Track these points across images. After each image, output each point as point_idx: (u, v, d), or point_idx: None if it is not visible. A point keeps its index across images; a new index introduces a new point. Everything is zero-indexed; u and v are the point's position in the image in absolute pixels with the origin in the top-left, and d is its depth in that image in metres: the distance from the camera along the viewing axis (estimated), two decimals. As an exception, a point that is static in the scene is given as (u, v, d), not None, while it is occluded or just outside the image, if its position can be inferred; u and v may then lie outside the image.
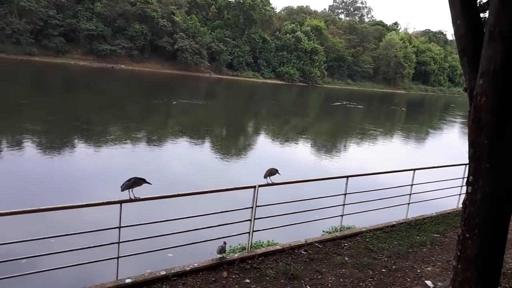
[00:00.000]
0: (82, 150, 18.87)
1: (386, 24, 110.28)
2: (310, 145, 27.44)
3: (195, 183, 14.96)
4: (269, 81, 75.43)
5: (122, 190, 5.53)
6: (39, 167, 15.90)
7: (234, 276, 6.05)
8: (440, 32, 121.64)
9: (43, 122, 23.94)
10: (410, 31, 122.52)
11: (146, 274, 5.65)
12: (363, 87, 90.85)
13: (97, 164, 17.11)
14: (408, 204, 9.34)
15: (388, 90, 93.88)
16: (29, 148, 18.07)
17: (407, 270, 6.90)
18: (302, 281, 6.14)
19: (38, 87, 39.49)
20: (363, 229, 8.41)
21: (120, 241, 5.46)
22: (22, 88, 36.54)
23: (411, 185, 9.30)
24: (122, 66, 61.66)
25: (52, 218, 8.84)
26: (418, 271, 6.93)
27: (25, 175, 14.76)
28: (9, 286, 5.31)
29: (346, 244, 7.68)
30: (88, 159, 17.63)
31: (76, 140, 20.54)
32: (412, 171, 9.27)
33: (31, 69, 50.18)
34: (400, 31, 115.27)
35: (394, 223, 8.91)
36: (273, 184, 7.02)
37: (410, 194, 9.33)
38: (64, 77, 49.60)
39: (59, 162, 16.77)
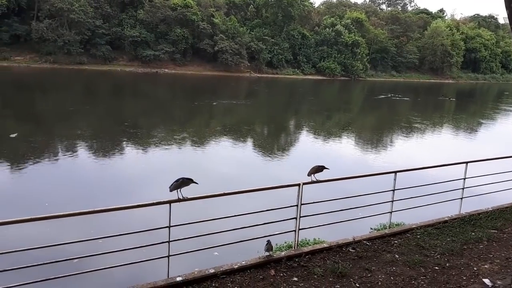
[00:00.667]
0: (130, 153, 19.63)
1: (431, 12, 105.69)
2: (354, 141, 26.90)
3: (240, 182, 15.13)
4: (309, 77, 74.69)
5: (171, 191, 5.70)
6: (91, 170, 16.71)
7: (281, 274, 6.06)
8: (491, 16, 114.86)
9: (94, 126, 25.15)
10: (457, 17, 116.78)
11: (196, 272, 5.78)
12: (409, 79, 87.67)
13: (145, 166, 17.73)
14: (461, 199, 8.91)
15: (435, 81, 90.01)
16: (82, 152, 19.05)
17: (462, 268, 6.60)
18: (351, 279, 6.04)
19: (89, 94, 41.52)
20: (414, 226, 8.13)
21: (170, 240, 5.63)
22: (75, 96, 38.58)
23: (464, 178, 8.87)
24: (166, 70, 63.44)
25: (105, 219, 9.26)
26: (475, 268, 6.60)
27: (79, 178, 15.57)
28: (64, 285, 5.64)
29: (395, 241, 7.46)
30: (136, 161, 18.31)
31: (124, 143, 21.40)
32: (465, 164, 8.84)
33: (81, 78, 52.84)
34: (446, 18, 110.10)
35: (447, 219, 8.53)
36: (317, 181, 6.94)
37: (463, 188, 8.90)
38: (112, 84, 51.82)
39: (110, 165, 17.54)
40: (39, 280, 4.91)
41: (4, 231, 8.13)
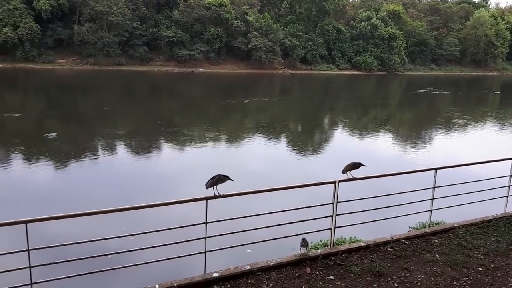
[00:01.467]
0: (166, 151, 20.10)
1: (474, 1, 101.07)
2: (392, 137, 26.24)
3: (274, 179, 15.14)
4: (345, 72, 73.44)
5: (207, 188, 5.78)
6: (129, 168, 17.24)
7: (317, 273, 6.01)
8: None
9: (131, 125, 25.93)
10: (502, 6, 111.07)
11: (232, 269, 5.85)
12: (449, 72, 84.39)
13: (180, 163, 18.09)
14: (507, 197, 8.49)
15: (478, 73, 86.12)
16: (120, 150, 19.70)
17: (508, 269, 6.29)
18: (389, 279, 5.91)
19: (127, 94, 42.84)
20: (455, 225, 7.83)
21: (207, 236, 5.72)
22: (113, 96, 39.94)
23: (510, 176, 8.46)
24: (201, 69, 64.36)
25: (143, 216, 9.52)
26: (522, 270, 6.29)
27: (120, 176, 16.11)
28: (103, 279, 5.86)
29: (436, 241, 7.21)
30: (172, 158, 18.72)
31: (160, 141, 21.92)
32: (510, 161, 8.42)
33: (120, 78, 54.58)
34: (490, 7, 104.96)
35: (491, 217, 8.16)
36: (353, 179, 6.83)
37: (508, 186, 8.48)
38: (149, 83, 53.17)
39: (147, 163, 18.03)
40: (79, 274, 5.13)
41: (47, 226, 8.54)
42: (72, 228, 9.36)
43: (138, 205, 5.27)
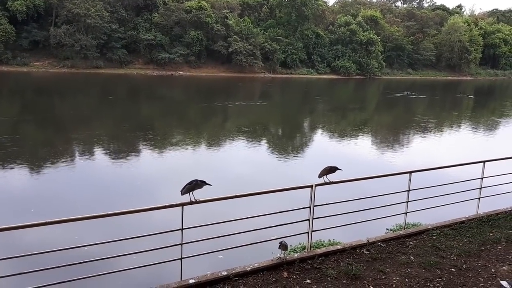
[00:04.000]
0: (145, 155, 19.86)
1: (448, 8, 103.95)
2: (370, 140, 26.64)
3: (254, 182, 15.15)
4: (324, 76, 74.24)
5: (182, 194, 5.74)
6: (109, 173, 16.97)
7: (294, 277, 6.05)
8: (510, 11, 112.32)
9: (109, 129, 25.53)
10: (475, 12, 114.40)
11: (208, 275, 5.82)
12: (425, 76, 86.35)
13: (161, 168, 17.90)
14: (479, 198, 8.75)
15: (453, 78, 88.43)
16: (97, 154, 19.36)
17: (479, 270, 6.47)
18: (365, 281, 5.99)
19: (104, 97, 42.15)
20: (429, 227, 8.01)
21: (183, 242, 5.68)
22: (91, 99, 39.26)
23: (481, 178, 8.71)
24: (181, 72, 63.94)
25: (121, 221, 9.38)
26: (492, 270, 6.47)
27: (97, 181, 15.83)
28: (79, 286, 5.74)
29: (411, 243, 7.36)
30: (151, 163, 18.51)
31: (139, 145, 21.66)
32: (482, 163, 8.68)
33: (98, 81, 53.72)
34: (464, 13, 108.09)
35: (464, 219, 8.39)
36: (330, 183, 6.91)
37: (480, 188, 8.74)
38: (128, 87, 52.51)
39: (126, 167, 17.77)
40: (52, 283, 5.02)
41: (19, 235, 8.32)
42: (45, 236, 9.14)
43: (112, 212, 5.19)
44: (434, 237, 7.58)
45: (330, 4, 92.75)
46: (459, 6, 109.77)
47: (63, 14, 58.10)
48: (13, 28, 55.00)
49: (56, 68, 57.74)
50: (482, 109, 46.69)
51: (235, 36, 66.46)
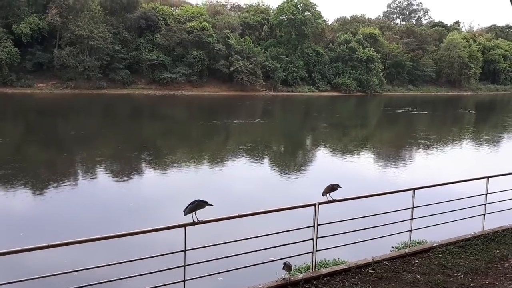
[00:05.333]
0: (148, 174, 19.85)
1: (446, 25, 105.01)
2: (373, 157, 26.58)
3: (258, 201, 15.08)
4: (325, 93, 74.65)
5: (185, 214, 5.72)
6: (110, 193, 16.94)
7: (299, 297, 5.95)
8: (508, 27, 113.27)
9: (113, 149, 25.60)
10: (474, 29, 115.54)
11: (212, 296, 5.74)
12: (426, 92, 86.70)
13: (163, 187, 17.87)
14: (484, 215, 8.67)
15: (453, 93, 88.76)
16: (101, 175, 19.36)
17: (487, 288, 6.37)
18: (371, 302, 5.89)
19: (108, 117, 42.44)
20: (435, 244, 7.92)
21: (186, 264, 5.62)
22: (94, 119, 39.50)
23: (486, 194, 8.65)
24: (183, 92, 64.45)
25: (124, 242, 9.32)
26: (501, 288, 6.37)
27: (98, 202, 15.79)
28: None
29: (416, 261, 7.26)
30: (155, 183, 18.48)
31: (142, 165, 21.67)
32: (486, 179, 8.63)
33: (101, 102, 54.17)
34: (463, 30, 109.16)
35: (469, 236, 8.29)
36: (333, 201, 6.87)
37: (485, 204, 8.66)
38: (130, 107, 52.89)
39: (129, 188, 17.74)
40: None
41: (21, 259, 8.25)
42: (46, 260, 9.07)
43: (114, 234, 5.16)
44: (440, 255, 7.49)
45: (330, 22, 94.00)
46: (457, 23, 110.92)
47: (66, 36, 58.99)
48: (18, 50, 55.79)
49: (59, 89, 58.29)
50: (484, 124, 46.68)
51: (236, 55, 67.21)
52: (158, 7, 69.07)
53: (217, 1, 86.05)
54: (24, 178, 18.06)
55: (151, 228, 5.54)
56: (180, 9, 74.68)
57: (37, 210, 14.64)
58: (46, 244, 4.83)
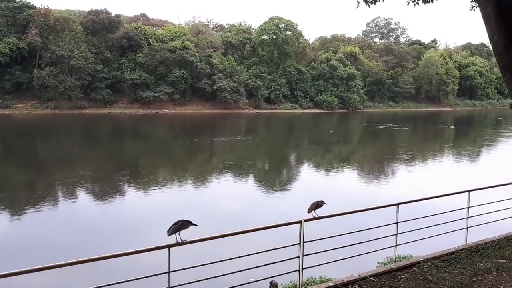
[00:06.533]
0: (131, 195, 19.51)
1: (424, 43, 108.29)
2: (356, 173, 26.79)
3: (242, 219, 14.93)
4: (308, 110, 75.50)
5: (169, 235, 5.61)
6: (92, 214, 16.55)
7: (286, 317, 5.86)
8: (483, 44, 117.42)
9: (93, 170, 25.15)
10: (450, 46, 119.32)
11: (198, 319, 5.60)
12: (406, 108, 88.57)
13: (145, 208, 17.56)
14: (467, 228, 8.77)
15: (433, 109, 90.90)
16: (81, 196, 18.95)
17: (473, 302, 6.39)
18: (359, 319, 5.84)
19: (88, 137, 41.84)
20: (420, 259, 7.95)
21: (170, 286, 5.49)
22: (74, 140, 38.89)
23: (468, 207, 8.77)
24: (166, 110, 64.25)
25: (106, 264, 9.06)
26: (486, 302, 6.39)
27: (81, 223, 15.40)
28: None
29: (402, 276, 7.27)
30: (136, 203, 18.16)
31: (124, 185, 21.32)
32: (467, 193, 8.76)
33: (82, 121, 53.47)
34: (439, 47, 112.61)
35: (453, 250, 8.36)
36: (319, 217, 6.86)
37: (467, 218, 8.78)
38: (112, 126, 52.34)
39: (111, 209, 17.39)
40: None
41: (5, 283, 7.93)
42: (28, 284, 8.74)
43: (96, 257, 5.02)
44: (425, 270, 7.51)
45: (311, 41, 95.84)
46: (434, 41, 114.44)
47: (47, 56, 58.49)
48: (-4, 70, 55.04)
49: (39, 110, 57.43)
50: (463, 138, 47.75)
51: (219, 74, 67.65)
52: (140, 27, 69.35)
53: (200, 21, 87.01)
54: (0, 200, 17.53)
55: (133, 250, 5.41)
56: (163, 29, 75.14)
57: (13, 234, 14.17)
58: (24, 269, 4.66)
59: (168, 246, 5.44)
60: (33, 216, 15.76)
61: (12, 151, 32.55)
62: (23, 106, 57.68)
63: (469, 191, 8.72)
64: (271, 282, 6.20)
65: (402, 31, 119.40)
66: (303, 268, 6.63)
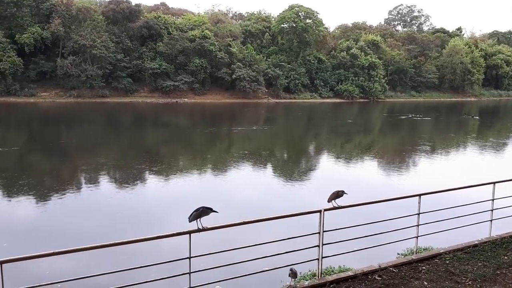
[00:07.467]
0: (152, 182, 19.82)
1: (448, 31, 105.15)
2: (377, 163, 26.48)
3: (262, 207, 15.01)
4: (328, 100, 74.71)
5: (190, 221, 5.68)
6: (114, 201, 16.91)
7: (305, 305, 5.88)
8: (510, 32, 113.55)
9: (117, 156, 25.62)
10: (476, 34, 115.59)
11: (218, 304, 5.68)
12: (429, 98, 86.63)
13: (167, 195, 17.82)
14: (491, 221, 8.58)
15: (456, 99, 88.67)
16: (105, 183, 19.35)
17: (496, 295, 6.27)
18: (379, 309, 5.81)
19: (111, 125, 42.55)
20: (442, 251, 7.83)
21: (191, 271, 5.57)
22: (98, 128, 39.63)
23: (492, 199, 8.56)
24: (185, 99, 64.64)
25: (129, 249, 9.27)
26: (510, 295, 6.27)
27: (103, 210, 15.76)
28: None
29: (423, 268, 7.18)
30: (158, 190, 18.45)
31: (146, 173, 21.65)
32: (492, 185, 8.55)
33: (104, 110, 54.38)
34: (464, 36, 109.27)
35: (477, 242, 8.20)
36: (339, 207, 6.82)
37: (492, 210, 8.58)
38: (133, 115, 53.06)
39: (134, 195, 17.71)
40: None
41: (28, 265, 8.21)
42: (50, 267, 9.02)
43: (119, 241, 5.13)
44: (447, 262, 7.40)
45: (331, 30, 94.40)
46: (459, 29, 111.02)
47: (69, 45, 59.45)
48: (21, 60, 56.24)
49: (62, 98, 58.60)
50: (488, 130, 46.49)
51: (238, 63, 67.49)
52: (160, 16, 69.61)
53: (219, 10, 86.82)
54: (27, 186, 18.07)
55: (155, 235, 5.50)
56: (182, 18, 75.22)
57: (41, 218, 14.62)
58: (51, 251, 4.80)
59: (189, 232, 5.51)
60: (57, 201, 16.20)
61: (37, 138, 33.43)
62: (47, 94, 58.96)
63: (494, 182, 8.51)
64: (291, 270, 6.22)
65: (425, 19, 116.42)
66: (322, 257, 6.62)
